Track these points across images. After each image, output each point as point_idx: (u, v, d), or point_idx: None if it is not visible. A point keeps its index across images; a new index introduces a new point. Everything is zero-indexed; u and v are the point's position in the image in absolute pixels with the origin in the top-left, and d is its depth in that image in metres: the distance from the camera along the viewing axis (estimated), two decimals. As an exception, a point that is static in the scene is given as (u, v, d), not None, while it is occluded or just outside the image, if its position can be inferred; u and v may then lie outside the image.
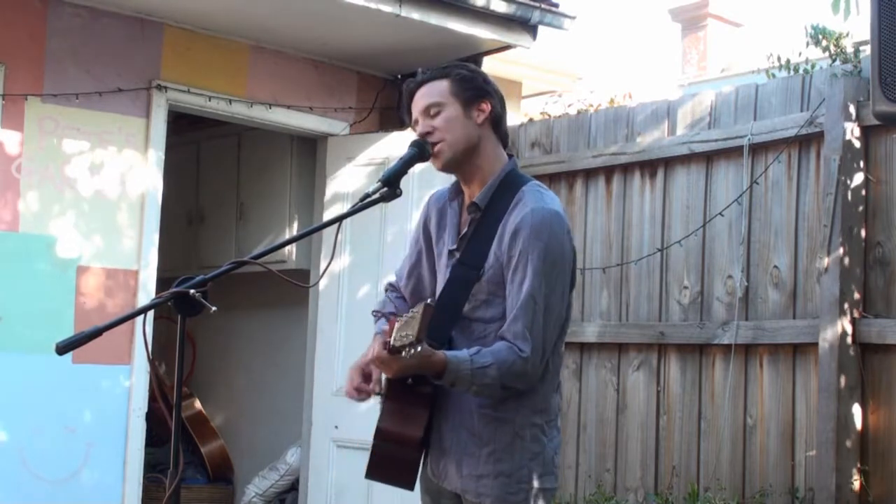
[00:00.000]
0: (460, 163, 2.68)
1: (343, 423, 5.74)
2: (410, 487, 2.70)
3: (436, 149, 2.64)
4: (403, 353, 2.34)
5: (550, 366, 2.65)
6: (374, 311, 2.91)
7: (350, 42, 5.76)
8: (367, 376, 2.68)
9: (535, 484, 2.62)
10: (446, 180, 2.84)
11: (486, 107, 2.69)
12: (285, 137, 6.35)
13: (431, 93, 2.68)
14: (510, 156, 2.74)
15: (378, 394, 2.68)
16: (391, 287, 2.94)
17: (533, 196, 2.62)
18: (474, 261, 2.61)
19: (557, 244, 2.58)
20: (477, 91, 2.68)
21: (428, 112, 2.66)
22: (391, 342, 2.37)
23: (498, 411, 2.60)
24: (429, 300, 2.33)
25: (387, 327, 2.74)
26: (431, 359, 2.43)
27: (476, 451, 2.61)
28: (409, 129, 6.28)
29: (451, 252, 2.70)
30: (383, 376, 2.71)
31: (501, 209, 2.62)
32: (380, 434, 2.61)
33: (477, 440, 2.61)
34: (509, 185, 2.66)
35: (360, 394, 2.67)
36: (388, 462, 2.64)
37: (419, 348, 2.30)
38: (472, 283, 2.59)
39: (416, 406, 2.61)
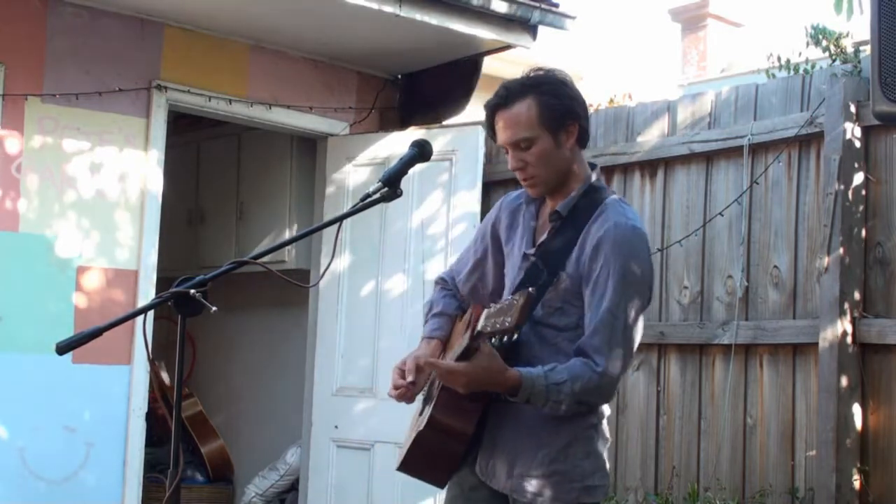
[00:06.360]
0: (554, 189, 2.69)
1: (343, 423, 5.74)
2: (442, 485, 2.69)
3: (529, 183, 2.65)
4: (493, 341, 2.29)
5: None
6: (426, 315, 2.88)
7: (350, 42, 5.76)
8: (403, 374, 2.67)
9: (588, 482, 2.60)
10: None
11: (574, 129, 2.65)
12: (285, 137, 6.35)
13: (519, 124, 2.61)
14: (593, 165, 2.74)
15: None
16: (442, 282, 2.92)
17: (615, 210, 2.62)
18: (551, 267, 2.61)
19: (638, 261, 2.57)
20: (564, 115, 2.63)
21: (518, 146, 2.63)
22: (479, 328, 2.32)
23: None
24: (530, 288, 2.28)
25: (433, 339, 2.73)
26: (506, 374, 2.42)
27: (533, 452, 2.58)
28: (410, 129, 6.29)
29: (525, 255, 2.69)
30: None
31: (582, 219, 2.62)
32: (431, 422, 2.55)
33: (535, 440, 2.59)
34: (592, 196, 2.66)
35: (398, 390, 2.65)
36: (428, 454, 2.60)
37: (515, 336, 2.27)
38: (545, 287, 2.59)
39: (472, 399, 2.55)
